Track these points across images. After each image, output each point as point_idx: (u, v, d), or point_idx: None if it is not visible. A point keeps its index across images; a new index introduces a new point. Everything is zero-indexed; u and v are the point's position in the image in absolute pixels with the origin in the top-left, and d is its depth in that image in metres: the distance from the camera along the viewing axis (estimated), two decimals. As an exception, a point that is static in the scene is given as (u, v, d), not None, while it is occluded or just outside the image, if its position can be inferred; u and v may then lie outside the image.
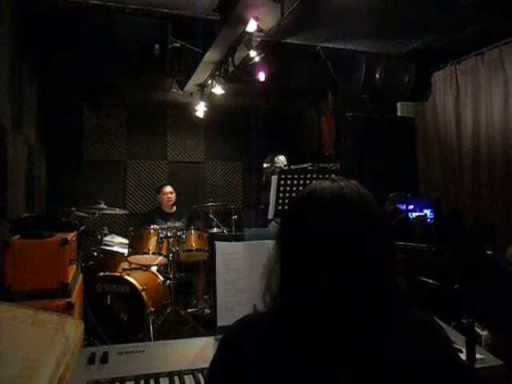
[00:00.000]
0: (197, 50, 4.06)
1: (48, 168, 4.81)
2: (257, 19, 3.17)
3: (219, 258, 1.62)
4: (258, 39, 3.54)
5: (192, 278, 4.30)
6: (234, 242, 1.68)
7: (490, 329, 2.10)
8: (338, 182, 0.80)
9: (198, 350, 1.43)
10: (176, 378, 1.29)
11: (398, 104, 4.89)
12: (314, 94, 5.54)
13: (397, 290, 0.79)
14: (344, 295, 0.73)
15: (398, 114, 4.92)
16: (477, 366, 1.28)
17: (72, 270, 2.51)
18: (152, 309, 3.49)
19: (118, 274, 3.60)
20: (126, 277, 3.55)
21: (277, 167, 5.08)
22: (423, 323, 0.81)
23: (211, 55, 4.01)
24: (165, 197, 4.73)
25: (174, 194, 4.79)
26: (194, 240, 3.86)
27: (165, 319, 3.61)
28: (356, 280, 0.73)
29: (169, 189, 4.77)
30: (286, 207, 3.10)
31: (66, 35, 3.55)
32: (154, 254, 3.72)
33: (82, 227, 3.77)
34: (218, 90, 4.50)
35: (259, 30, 3.28)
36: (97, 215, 4.05)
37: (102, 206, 3.95)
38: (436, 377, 0.74)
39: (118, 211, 4.35)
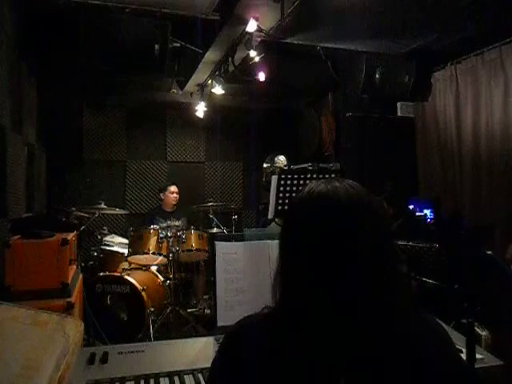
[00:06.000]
0: (197, 50, 4.05)
1: (48, 168, 4.81)
2: (257, 19, 3.17)
3: (219, 257, 1.62)
4: (258, 39, 3.54)
5: (192, 278, 4.31)
6: (233, 242, 1.68)
7: (490, 329, 2.10)
8: (333, 183, 0.80)
9: (198, 350, 1.43)
10: (176, 378, 1.29)
11: (398, 104, 4.88)
12: (314, 94, 5.54)
13: (399, 291, 0.78)
14: (343, 296, 0.73)
15: (398, 114, 4.92)
16: (477, 365, 1.28)
17: (72, 270, 2.51)
18: (152, 309, 3.49)
19: (118, 274, 3.61)
20: (126, 277, 3.55)
21: (277, 167, 5.07)
22: (426, 324, 0.81)
23: (211, 55, 4.01)
24: (171, 195, 4.80)
25: (178, 194, 4.85)
26: (194, 240, 3.87)
27: (165, 319, 3.61)
28: (355, 281, 0.73)
29: (174, 188, 4.85)
30: (286, 207, 3.10)
31: (65, 35, 3.55)
32: (154, 253, 3.72)
33: (82, 227, 3.77)
34: (218, 90, 4.50)
35: (259, 29, 3.28)
36: (97, 215, 4.05)
37: (102, 206, 3.95)
38: (438, 378, 0.74)
39: (118, 211, 4.36)
